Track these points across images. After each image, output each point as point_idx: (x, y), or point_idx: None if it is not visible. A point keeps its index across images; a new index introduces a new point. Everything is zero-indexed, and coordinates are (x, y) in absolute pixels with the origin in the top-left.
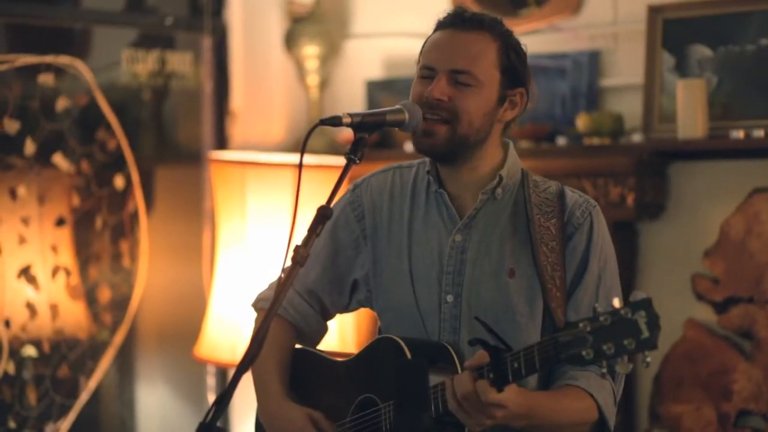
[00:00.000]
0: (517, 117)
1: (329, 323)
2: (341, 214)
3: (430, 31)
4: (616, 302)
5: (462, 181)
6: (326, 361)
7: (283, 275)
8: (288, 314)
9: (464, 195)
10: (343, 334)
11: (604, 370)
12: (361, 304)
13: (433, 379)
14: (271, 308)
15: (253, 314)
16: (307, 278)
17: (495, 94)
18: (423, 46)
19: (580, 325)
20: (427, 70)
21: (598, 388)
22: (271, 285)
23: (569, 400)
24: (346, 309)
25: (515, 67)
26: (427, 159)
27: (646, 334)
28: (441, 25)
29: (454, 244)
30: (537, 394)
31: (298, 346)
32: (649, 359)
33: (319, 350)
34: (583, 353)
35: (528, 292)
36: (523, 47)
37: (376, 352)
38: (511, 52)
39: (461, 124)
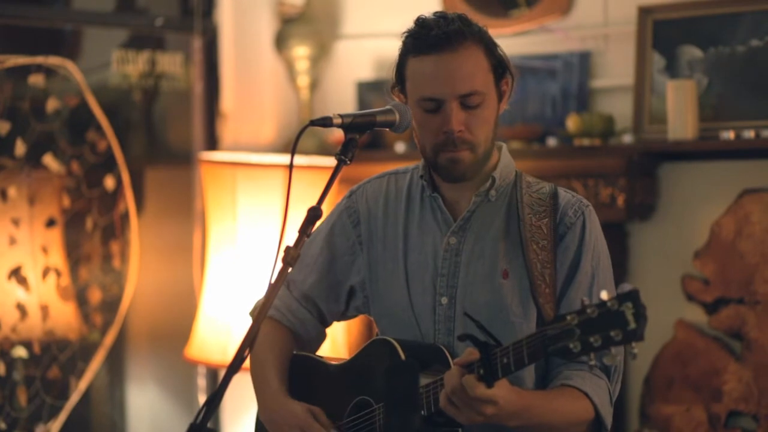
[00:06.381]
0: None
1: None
2: (337, 221)
3: None
4: (604, 294)
5: (458, 185)
6: (322, 364)
7: (272, 278)
8: (286, 320)
9: (459, 198)
10: (335, 339)
11: (593, 363)
12: (359, 311)
13: (427, 381)
14: (261, 309)
15: (250, 322)
16: (304, 285)
17: (496, 96)
18: (404, 66)
19: (568, 318)
20: (432, 102)
21: (593, 387)
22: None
23: (564, 400)
24: (343, 316)
25: (499, 61)
26: (420, 164)
27: (632, 325)
28: (424, 49)
29: (448, 246)
30: (531, 393)
31: (295, 352)
32: (635, 351)
33: (315, 354)
34: (571, 346)
35: (521, 292)
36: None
37: (370, 353)
38: (493, 48)
39: (480, 145)
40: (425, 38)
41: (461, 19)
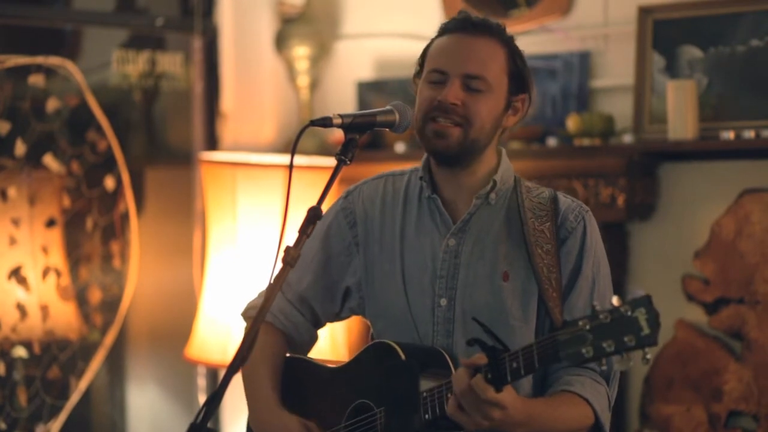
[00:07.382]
0: (518, 123)
1: (320, 332)
2: (333, 222)
3: (421, 33)
4: (615, 300)
5: (457, 186)
6: (319, 367)
7: (272, 279)
8: (279, 322)
9: (458, 200)
10: (335, 341)
11: (604, 368)
12: (353, 312)
13: (427, 384)
14: (261, 309)
15: (243, 323)
16: (299, 286)
17: (503, 99)
18: (428, 49)
19: (580, 323)
20: (438, 74)
21: (593, 393)
22: (260, 294)
23: (566, 407)
24: (337, 317)
25: (521, 73)
26: (419, 166)
27: (646, 330)
28: (448, 30)
29: (447, 248)
30: (535, 401)
31: (289, 354)
32: (649, 356)
33: (312, 357)
34: (583, 351)
35: (522, 295)
36: (523, 53)
37: (370, 356)
38: (518, 59)
39: (474, 128)
40: (453, 21)
41: (498, 24)
